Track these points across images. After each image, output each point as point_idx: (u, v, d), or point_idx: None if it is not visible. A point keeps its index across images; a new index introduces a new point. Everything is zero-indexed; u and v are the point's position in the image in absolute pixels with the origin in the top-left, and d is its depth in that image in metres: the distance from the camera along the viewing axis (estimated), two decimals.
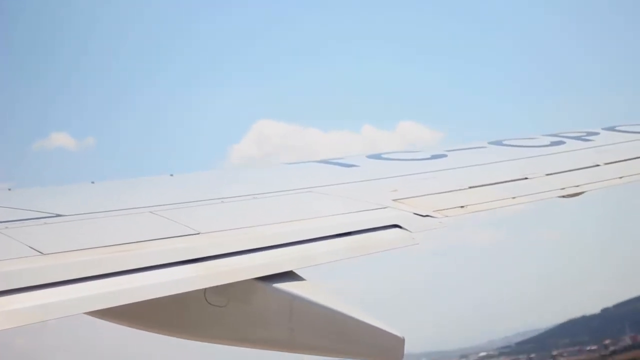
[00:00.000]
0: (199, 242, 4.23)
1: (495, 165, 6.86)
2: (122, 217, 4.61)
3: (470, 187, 5.97)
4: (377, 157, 7.06)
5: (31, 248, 3.81)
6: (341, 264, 4.55)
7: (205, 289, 4.08)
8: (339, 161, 6.76)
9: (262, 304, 4.10)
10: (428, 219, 5.19)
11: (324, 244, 4.54)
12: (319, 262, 4.38)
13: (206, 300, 4.14)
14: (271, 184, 5.85)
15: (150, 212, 4.67)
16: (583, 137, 7.94)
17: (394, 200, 5.45)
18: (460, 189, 5.91)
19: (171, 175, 6.04)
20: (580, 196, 6.46)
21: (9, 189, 5.48)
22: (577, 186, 6.33)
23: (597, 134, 8.14)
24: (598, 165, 6.86)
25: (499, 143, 7.73)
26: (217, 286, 3.98)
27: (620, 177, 6.62)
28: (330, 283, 4.41)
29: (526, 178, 6.35)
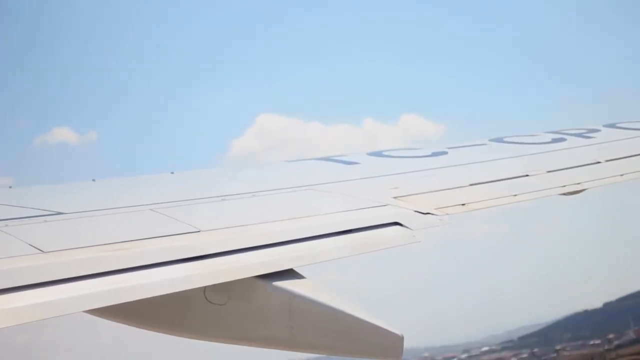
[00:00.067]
0: (200, 240, 4.23)
1: (496, 162, 6.87)
2: (123, 214, 4.62)
3: (471, 185, 5.97)
4: (378, 154, 7.06)
5: (31, 246, 3.81)
6: (342, 261, 4.56)
7: (205, 287, 4.08)
8: (340, 158, 6.76)
9: (262, 302, 4.10)
10: (429, 217, 5.19)
11: (325, 242, 4.54)
12: (320, 260, 4.38)
13: (206, 298, 4.15)
14: (272, 181, 5.86)
15: (151, 209, 4.68)
16: (584, 134, 7.94)
17: (394, 197, 5.45)
18: (461, 187, 5.92)
19: (172, 172, 6.05)
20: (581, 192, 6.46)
21: (10, 187, 5.49)
22: (578, 183, 6.33)
23: (598, 131, 8.15)
24: (599, 163, 6.87)
25: (499, 140, 7.73)
26: (217, 284, 3.98)
27: (622, 175, 6.63)
28: (331, 281, 4.41)
29: (527, 175, 6.36)
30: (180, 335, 4.42)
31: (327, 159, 6.78)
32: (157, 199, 4.93)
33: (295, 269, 4.21)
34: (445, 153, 7.09)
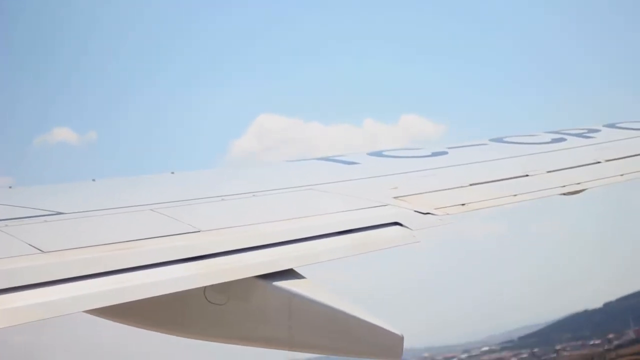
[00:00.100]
0: (199, 239, 4.23)
1: (496, 162, 6.87)
2: (123, 214, 4.62)
3: (471, 185, 5.97)
4: (378, 154, 7.06)
5: (31, 246, 3.81)
6: (342, 261, 4.56)
7: (205, 287, 4.08)
8: (340, 158, 6.76)
9: (261, 302, 4.10)
10: (429, 217, 5.19)
11: (325, 242, 4.54)
12: (319, 260, 4.38)
13: (206, 298, 4.15)
14: (271, 181, 5.86)
15: (151, 209, 4.68)
16: (584, 134, 7.94)
17: (394, 197, 5.45)
18: (461, 187, 5.92)
19: (172, 172, 6.05)
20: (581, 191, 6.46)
21: (10, 187, 5.49)
22: (578, 183, 6.33)
23: (598, 131, 8.15)
24: (599, 162, 6.87)
25: (499, 140, 7.73)
26: (217, 284, 3.98)
27: (622, 175, 6.63)
28: (331, 281, 4.41)
29: (527, 175, 6.36)
30: (180, 335, 4.42)
31: (327, 159, 6.78)
32: (157, 199, 4.93)
33: (295, 269, 4.21)
34: (445, 153, 7.09)
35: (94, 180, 5.71)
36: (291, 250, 4.35)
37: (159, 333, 4.41)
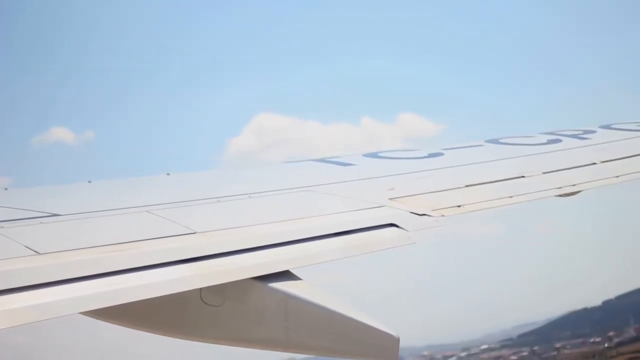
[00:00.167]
0: (195, 241, 4.24)
1: (492, 163, 6.87)
2: (119, 216, 4.63)
3: (467, 186, 5.98)
4: (374, 155, 7.07)
5: (27, 248, 3.82)
6: (338, 263, 4.57)
7: (201, 289, 4.09)
8: (336, 160, 6.76)
9: (258, 304, 4.11)
10: (425, 218, 5.20)
11: (321, 243, 4.55)
12: (316, 262, 4.39)
13: (202, 300, 4.16)
14: (267, 183, 5.86)
15: (147, 211, 4.68)
16: (580, 136, 7.95)
17: (390, 199, 5.46)
18: (457, 188, 5.92)
19: (168, 174, 6.06)
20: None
21: (6, 189, 5.50)
22: (574, 185, 6.34)
23: (593, 132, 8.15)
24: (595, 164, 6.87)
25: (495, 141, 7.74)
26: (213, 286, 3.99)
27: (617, 176, 6.64)
28: (327, 282, 4.43)
29: (523, 176, 6.37)
30: (177, 337, 4.43)
31: (323, 160, 6.78)
32: (153, 200, 4.94)
33: (292, 271, 4.22)
34: (441, 154, 7.09)
35: (89, 181, 5.72)
36: (287, 252, 4.36)
37: (156, 335, 4.43)
